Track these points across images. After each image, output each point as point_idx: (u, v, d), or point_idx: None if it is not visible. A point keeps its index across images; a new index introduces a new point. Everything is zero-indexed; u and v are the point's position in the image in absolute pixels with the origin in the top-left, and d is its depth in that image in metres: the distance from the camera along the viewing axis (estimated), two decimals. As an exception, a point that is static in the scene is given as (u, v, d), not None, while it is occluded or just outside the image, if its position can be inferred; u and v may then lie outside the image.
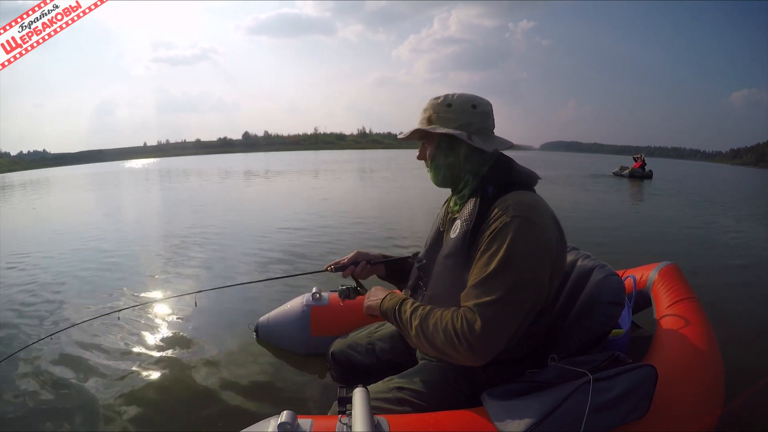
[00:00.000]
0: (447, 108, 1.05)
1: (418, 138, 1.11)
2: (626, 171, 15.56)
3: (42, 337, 2.13)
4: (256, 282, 1.77)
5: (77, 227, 6.13)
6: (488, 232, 0.94)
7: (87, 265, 3.80)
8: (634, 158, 16.21)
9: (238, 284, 2.02)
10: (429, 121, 1.07)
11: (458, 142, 1.06)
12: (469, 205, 1.04)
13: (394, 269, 1.38)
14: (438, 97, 1.08)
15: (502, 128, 1.09)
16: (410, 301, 1.03)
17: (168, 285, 3.10)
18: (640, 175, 14.91)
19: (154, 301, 2.53)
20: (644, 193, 11.11)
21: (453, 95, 1.07)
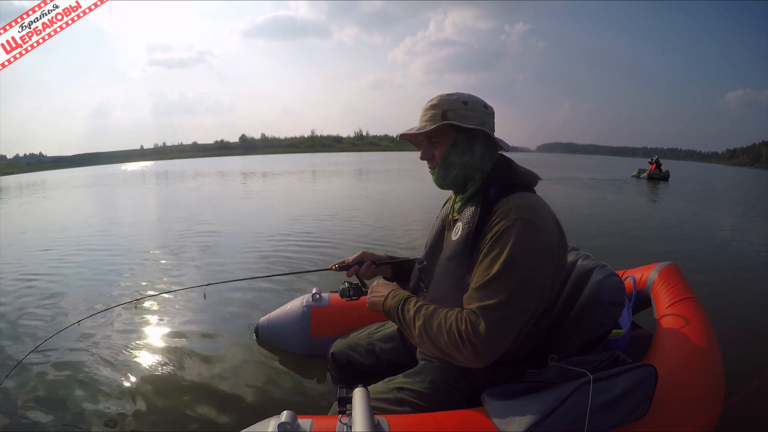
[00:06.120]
0: (464, 105, 1.03)
1: (424, 136, 1.07)
2: (644, 174, 15.83)
3: (57, 331, 2.14)
4: (263, 277, 1.79)
5: (90, 228, 6.12)
6: (490, 235, 0.94)
7: (98, 260, 3.82)
8: (649, 161, 16.51)
9: (245, 279, 2.02)
10: (445, 116, 1.02)
11: (475, 140, 1.04)
12: (471, 207, 1.03)
13: (401, 271, 1.36)
14: (451, 94, 1.04)
15: (498, 130, 1.09)
16: (413, 300, 1.02)
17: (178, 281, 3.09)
18: (657, 177, 15.17)
19: (165, 291, 2.54)
20: (659, 193, 11.23)
21: (462, 94, 1.05)
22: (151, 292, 2.77)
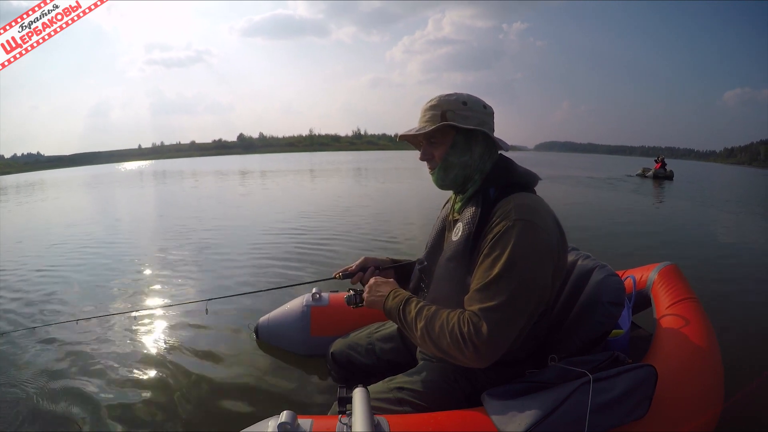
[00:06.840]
0: (463, 105, 1.02)
1: (424, 137, 1.06)
2: (650, 172, 15.89)
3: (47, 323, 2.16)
4: (265, 291, 1.82)
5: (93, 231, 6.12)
6: (491, 236, 0.94)
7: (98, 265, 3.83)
8: (654, 160, 16.60)
9: (247, 293, 2.04)
10: (444, 117, 1.02)
11: (475, 140, 1.04)
12: (471, 208, 1.03)
13: (404, 274, 1.35)
14: (450, 95, 1.04)
15: (497, 128, 1.08)
16: (414, 300, 1.02)
17: (178, 290, 3.08)
18: (663, 176, 15.24)
19: (166, 306, 2.55)
20: (663, 192, 11.27)
21: (462, 94, 1.05)
22: (151, 303, 2.78)
